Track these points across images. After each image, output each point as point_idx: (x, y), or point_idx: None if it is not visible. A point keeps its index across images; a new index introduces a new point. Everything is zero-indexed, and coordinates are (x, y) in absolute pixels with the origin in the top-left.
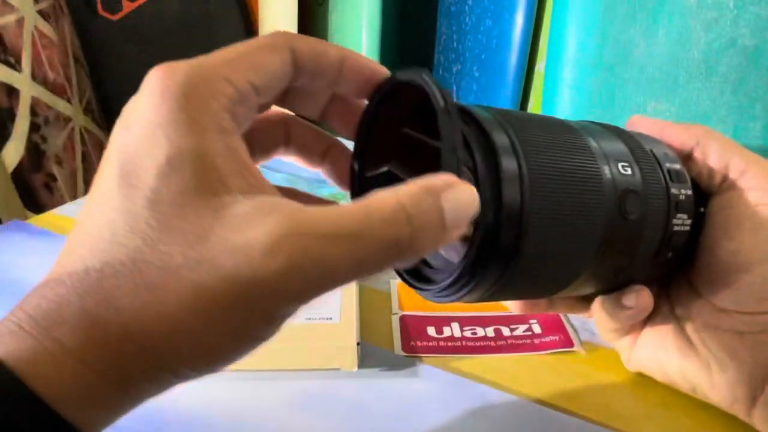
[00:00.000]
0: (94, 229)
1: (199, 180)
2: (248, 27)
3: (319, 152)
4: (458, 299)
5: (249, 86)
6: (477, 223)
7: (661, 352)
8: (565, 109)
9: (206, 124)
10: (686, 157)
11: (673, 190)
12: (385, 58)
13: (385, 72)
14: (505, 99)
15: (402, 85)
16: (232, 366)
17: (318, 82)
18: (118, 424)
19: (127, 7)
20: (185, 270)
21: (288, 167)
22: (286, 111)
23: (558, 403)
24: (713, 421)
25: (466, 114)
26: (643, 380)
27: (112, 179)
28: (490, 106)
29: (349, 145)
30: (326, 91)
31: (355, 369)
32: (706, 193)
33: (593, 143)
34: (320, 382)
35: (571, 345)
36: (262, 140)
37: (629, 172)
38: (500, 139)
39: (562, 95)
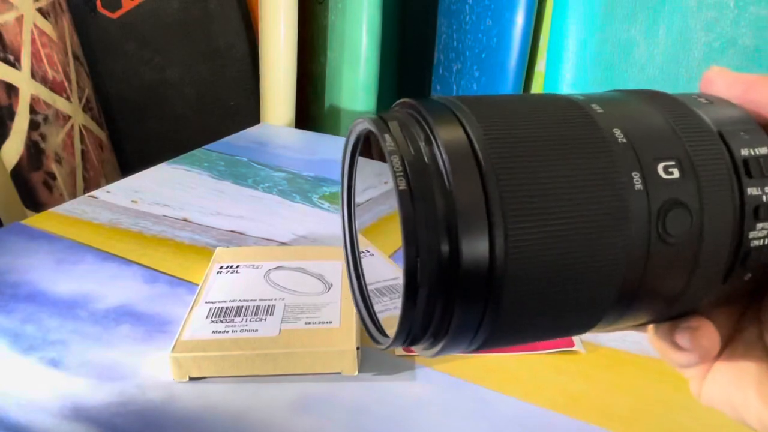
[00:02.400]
0: None
1: None
2: (248, 26)
3: None
4: (427, 351)
5: None
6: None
7: (735, 391)
8: None
9: None
10: None
11: (751, 191)
12: (385, 58)
13: None
14: None
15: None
16: (234, 371)
17: None
18: (120, 428)
19: (127, 5)
20: None
21: (288, 166)
22: None
23: (558, 404)
24: (713, 422)
25: (415, 111)
26: (643, 380)
27: None
28: (467, 96)
29: None
30: None
31: (356, 373)
32: None
33: (619, 136)
34: (321, 385)
35: (572, 345)
36: None
37: (675, 175)
38: (451, 139)
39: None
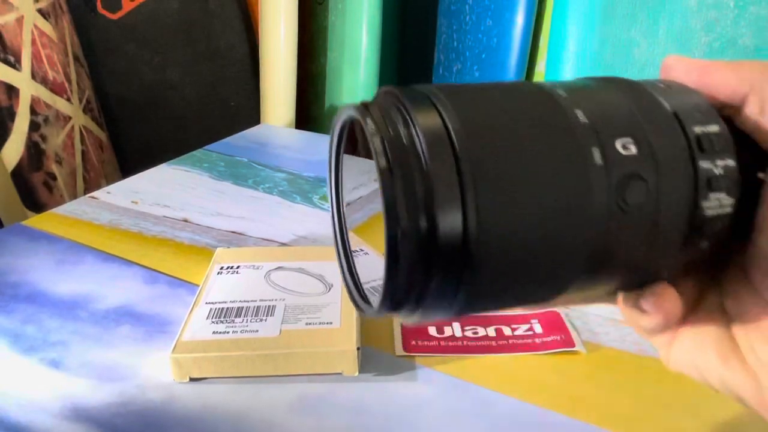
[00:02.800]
0: None
1: None
2: (248, 26)
3: None
4: (407, 318)
5: None
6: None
7: (699, 355)
8: None
9: None
10: (738, 109)
11: (703, 164)
12: (385, 58)
13: None
14: None
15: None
16: (235, 372)
17: None
18: (120, 429)
19: (127, 6)
20: None
21: (289, 166)
22: None
23: (558, 404)
24: (715, 423)
25: (395, 98)
26: (644, 380)
27: None
28: (444, 84)
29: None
30: None
31: (357, 373)
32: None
33: (581, 117)
34: (322, 386)
35: (573, 345)
36: None
37: (633, 150)
38: (429, 123)
39: None
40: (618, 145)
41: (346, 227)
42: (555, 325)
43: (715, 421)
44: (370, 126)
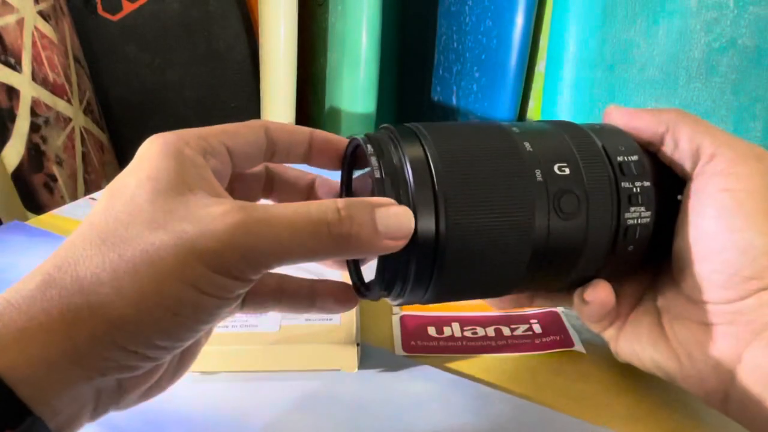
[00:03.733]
0: (77, 232)
1: (170, 184)
2: (248, 27)
3: (301, 190)
4: (395, 299)
5: (222, 145)
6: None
7: (636, 343)
8: (565, 109)
9: (183, 159)
10: (659, 145)
11: (624, 184)
12: (385, 59)
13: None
14: (505, 99)
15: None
16: (234, 367)
17: (293, 157)
18: (118, 424)
19: (127, 7)
20: (144, 237)
21: None
22: (270, 164)
23: (559, 404)
24: (716, 423)
25: (390, 131)
26: (644, 380)
27: (101, 199)
28: (428, 123)
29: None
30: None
31: (356, 370)
32: (684, 180)
33: (528, 147)
34: (321, 383)
35: (572, 345)
36: (243, 188)
37: (567, 172)
38: (413, 151)
39: (562, 95)
40: (555, 167)
41: None
42: (554, 325)
43: (715, 421)
44: (369, 149)
